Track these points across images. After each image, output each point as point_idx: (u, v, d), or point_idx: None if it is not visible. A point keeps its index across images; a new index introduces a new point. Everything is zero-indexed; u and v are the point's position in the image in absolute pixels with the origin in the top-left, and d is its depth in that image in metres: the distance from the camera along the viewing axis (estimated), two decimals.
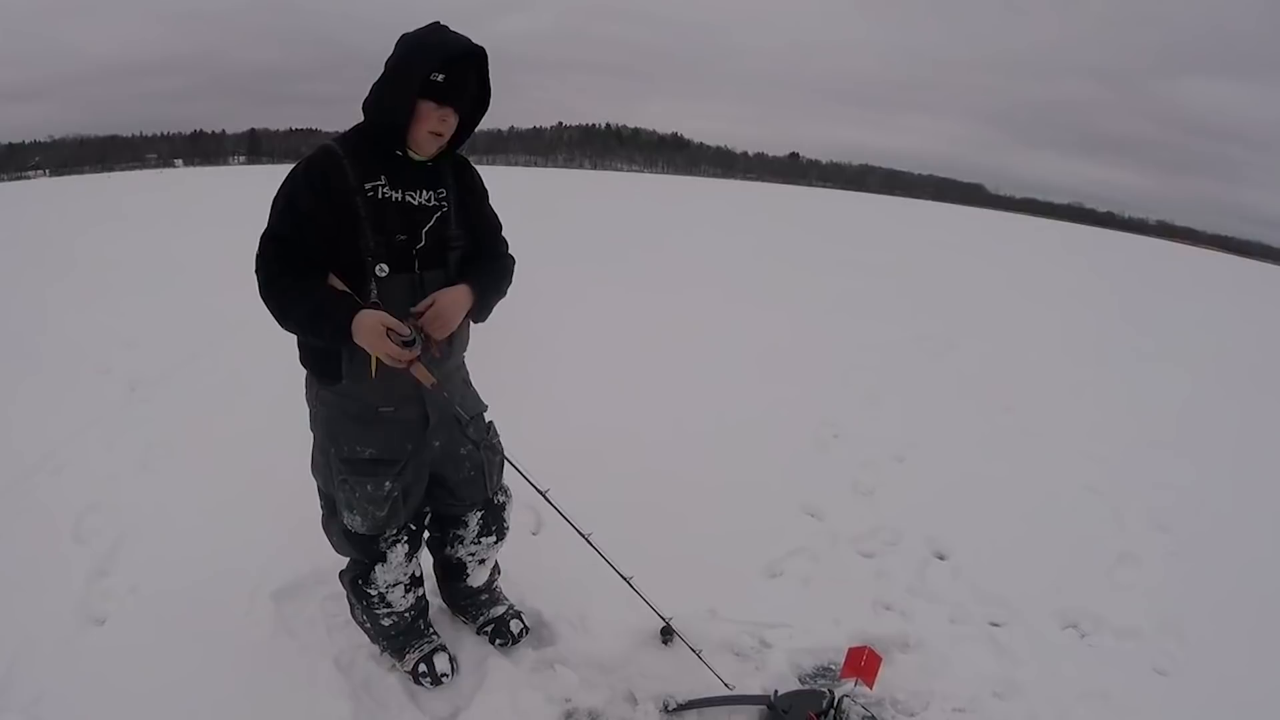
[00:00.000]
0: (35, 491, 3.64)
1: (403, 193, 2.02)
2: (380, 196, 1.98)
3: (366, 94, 1.99)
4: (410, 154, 2.02)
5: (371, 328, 1.88)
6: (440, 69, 1.89)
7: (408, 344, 1.90)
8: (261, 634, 2.67)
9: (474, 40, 1.96)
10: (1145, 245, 38.48)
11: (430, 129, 1.96)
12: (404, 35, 1.96)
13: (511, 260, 2.36)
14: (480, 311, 2.18)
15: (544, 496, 2.35)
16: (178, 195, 22.20)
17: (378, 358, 1.95)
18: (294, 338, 2.12)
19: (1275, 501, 4.52)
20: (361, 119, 2.01)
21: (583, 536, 2.44)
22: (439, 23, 1.98)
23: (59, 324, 6.59)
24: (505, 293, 2.30)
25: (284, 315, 1.96)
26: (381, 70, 1.96)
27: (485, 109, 2.10)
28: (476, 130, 2.16)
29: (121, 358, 5.64)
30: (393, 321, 1.89)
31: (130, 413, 4.69)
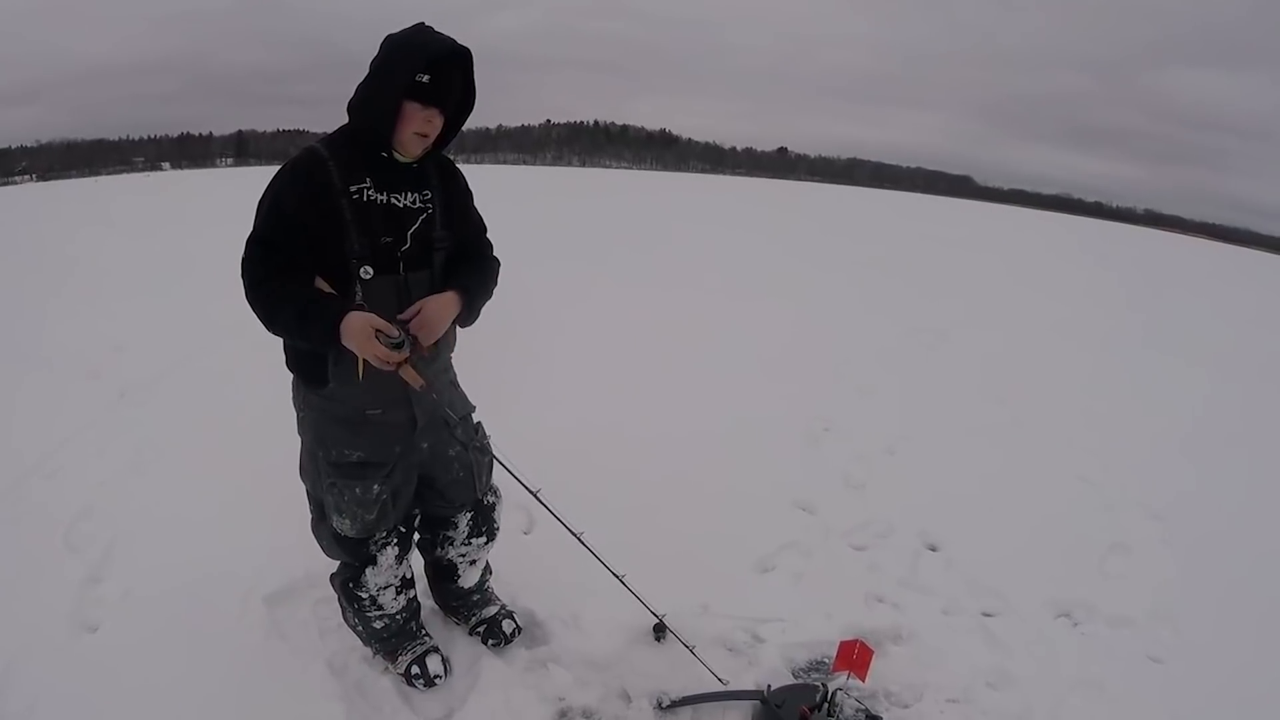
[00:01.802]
0: (27, 498, 3.61)
1: (388, 194, 2.01)
2: (365, 199, 1.97)
3: (351, 95, 1.98)
4: (396, 155, 2.01)
5: (360, 329, 1.86)
6: (425, 70, 1.88)
7: (396, 346, 1.88)
8: (254, 638, 2.66)
9: (459, 40, 1.95)
10: (1143, 235, 38.59)
11: (415, 130, 1.95)
12: (389, 36, 1.95)
13: (497, 262, 2.36)
14: (468, 316, 2.19)
15: (535, 496, 2.35)
16: (167, 198, 22.09)
17: (365, 360, 1.94)
18: (281, 341, 2.12)
19: (1268, 489, 4.55)
20: (346, 120, 2.01)
21: (574, 535, 2.44)
22: (424, 23, 1.97)
23: (49, 329, 6.55)
24: (492, 294, 2.30)
25: (270, 319, 1.95)
26: (366, 71, 1.96)
27: (470, 110, 2.09)
28: (464, 129, 2.16)
29: (112, 362, 5.61)
30: (381, 323, 1.87)
31: (121, 417, 4.66)
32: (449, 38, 1.94)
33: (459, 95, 2.02)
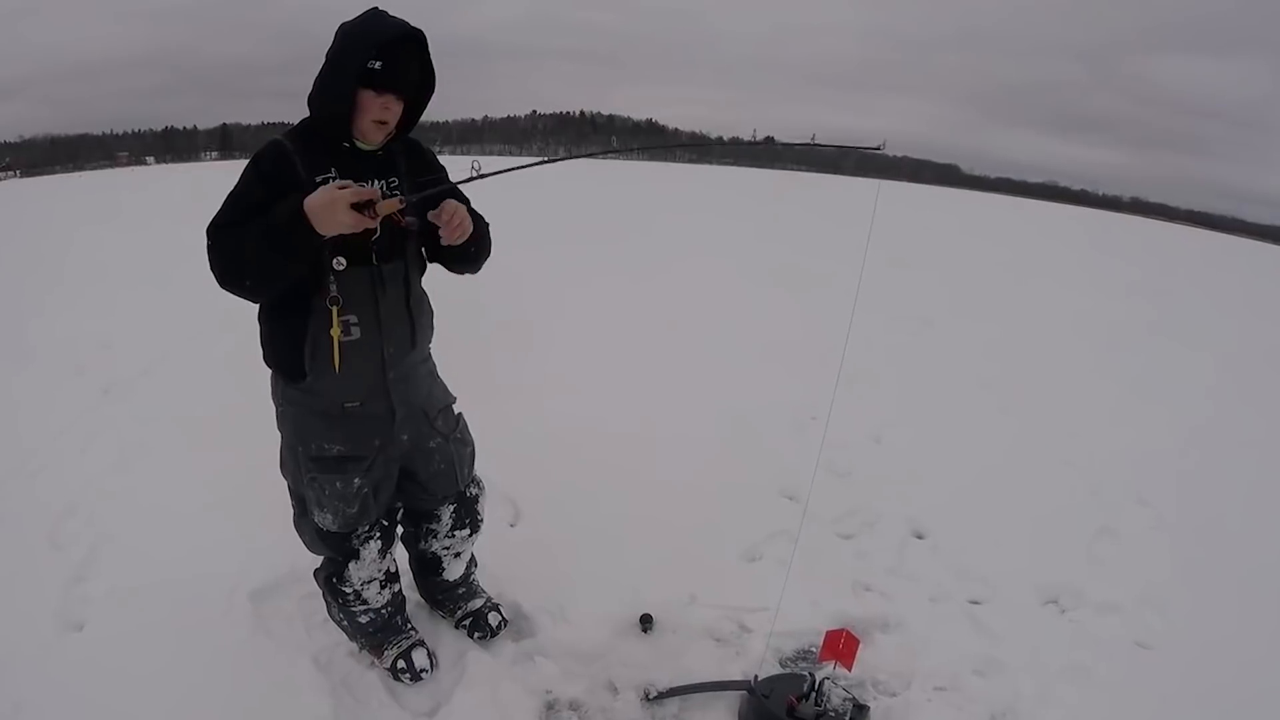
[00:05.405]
0: (11, 497, 3.58)
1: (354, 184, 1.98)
2: None
3: (310, 87, 1.95)
4: (358, 144, 1.99)
5: (326, 194, 1.76)
6: (377, 56, 1.85)
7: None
8: (240, 634, 2.65)
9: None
10: (1131, 224, 38.68)
11: (373, 118, 1.93)
12: (342, 24, 1.92)
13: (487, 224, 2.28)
14: (480, 240, 2.15)
15: None
16: (152, 193, 21.88)
17: (339, 346, 1.95)
18: (260, 336, 2.11)
19: (1257, 474, 4.58)
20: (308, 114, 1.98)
21: None
22: (377, 8, 1.93)
23: (33, 325, 6.49)
24: (489, 251, 2.27)
25: (241, 268, 1.85)
26: (323, 61, 1.93)
27: (431, 92, 2.06)
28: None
29: (96, 359, 5.57)
30: (342, 182, 1.81)
31: (105, 414, 4.62)
32: (401, 21, 1.90)
33: (416, 79, 1.99)
